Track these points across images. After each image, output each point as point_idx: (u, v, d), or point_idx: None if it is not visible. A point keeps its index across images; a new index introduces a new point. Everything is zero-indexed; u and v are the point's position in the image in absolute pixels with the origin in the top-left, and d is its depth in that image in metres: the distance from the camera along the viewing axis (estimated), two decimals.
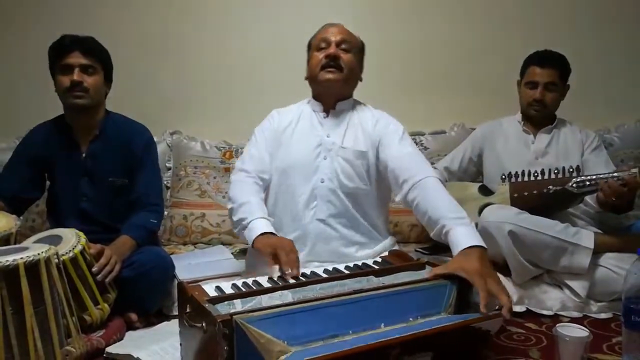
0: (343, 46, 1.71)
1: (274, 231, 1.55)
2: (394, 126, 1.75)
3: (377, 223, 1.75)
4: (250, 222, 1.56)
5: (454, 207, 1.48)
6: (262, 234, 1.52)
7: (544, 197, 1.87)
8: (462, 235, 1.38)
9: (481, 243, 1.37)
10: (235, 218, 1.63)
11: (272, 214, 1.68)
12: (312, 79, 1.76)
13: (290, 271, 1.36)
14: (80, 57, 1.77)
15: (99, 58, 1.82)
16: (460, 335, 1.18)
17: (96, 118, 1.86)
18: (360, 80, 1.80)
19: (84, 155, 1.85)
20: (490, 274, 1.28)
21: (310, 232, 1.67)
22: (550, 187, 1.86)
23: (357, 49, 1.76)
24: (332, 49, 1.69)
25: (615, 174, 1.77)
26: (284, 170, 1.72)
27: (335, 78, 1.69)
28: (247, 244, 2.33)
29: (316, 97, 1.80)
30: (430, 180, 1.56)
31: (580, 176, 1.84)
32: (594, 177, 1.80)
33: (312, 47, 1.79)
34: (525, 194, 1.90)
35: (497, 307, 1.22)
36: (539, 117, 2.08)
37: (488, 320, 1.19)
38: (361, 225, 1.70)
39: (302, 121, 1.78)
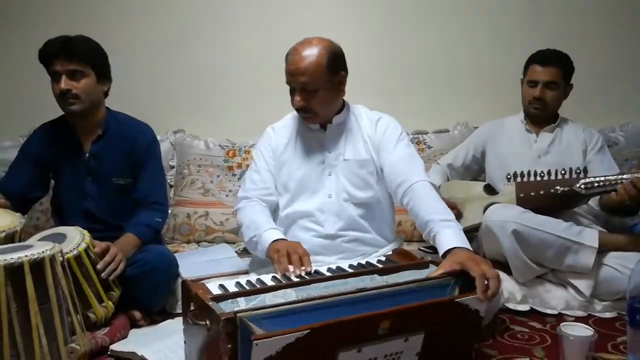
0: (308, 88, 1.59)
1: (285, 237, 1.55)
2: (391, 129, 1.71)
3: (385, 230, 1.74)
4: (260, 235, 1.56)
5: (442, 210, 1.50)
6: (274, 242, 1.52)
7: (551, 197, 1.86)
8: (448, 238, 1.41)
9: (466, 245, 1.39)
10: (246, 239, 1.64)
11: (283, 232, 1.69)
12: None
13: (296, 271, 1.37)
14: (66, 62, 1.70)
15: (88, 60, 1.74)
16: (449, 314, 1.19)
17: (96, 119, 1.84)
18: (344, 93, 1.71)
19: (87, 155, 1.84)
20: (483, 260, 1.30)
21: (320, 246, 1.65)
22: (558, 187, 1.85)
23: (326, 79, 1.60)
24: (297, 99, 1.61)
25: (624, 177, 1.76)
26: (289, 190, 1.70)
27: (311, 120, 1.67)
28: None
29: None
30: (420, 184, 1.57)
31: (588, 177, 1.83)
32: (602, 178, 1.79)
33: None
34: (532, 194, 1.89)
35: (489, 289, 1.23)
36: (540, 116, 2.07)
37: (470, 297, 1.19)
38: (369, 237, 1.69)
39: (300, 139, 1.73)
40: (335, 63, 1.62)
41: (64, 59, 1.71)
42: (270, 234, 1.55)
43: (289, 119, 1.80)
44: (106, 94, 1.87)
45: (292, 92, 1.63)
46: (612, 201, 1.81)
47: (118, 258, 1.62)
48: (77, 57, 1.72)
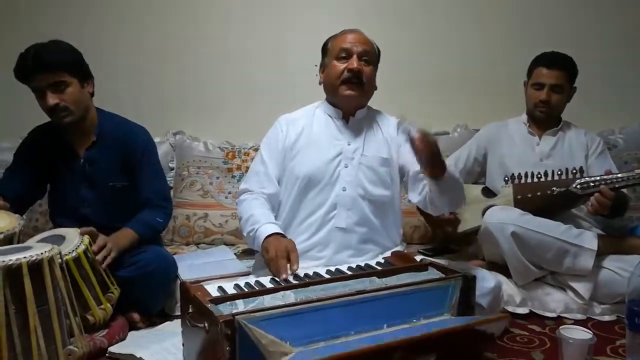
0: (365, 58, 1.65)
1: (280, 231, 1.54)
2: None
3: (394, 233, 1.73)
4: (257, 229, 1.54)
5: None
6: (269, 236, 1.51)
7: (548, 198, 1.86)
8: None
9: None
10: (245, 233, 1.63)
11: (290, 223, 1.67)
12: (330, 89, 1.70)
13: (284, 275, 1.36)
14: (44, 77, 1.65)
15: (65, 68, 1.68)
16: (464, 336, 1.17)
17: (89, 123, 1.81)
18: (375, 88, 1.74)
19: (81, 161, 1.81)
20: None
21: (329, 241, 1.63)
22: (554, 188, 1.85)
23: (376, 58, 1.72)
24: (355, 63, 1.63)
25: (619, 176, 1.76)
26: (302, 179, 1.66)
27: (356, 95, 1.66)
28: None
29: (334, 104, 1.74)
30: None
31: (584, 177, 1.83)
32: (598, 178, 1.80)
33: (329, 52, 1.71)
34: (529, 195, 1.90)
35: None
36: (545, 119, 2.07)
37: (493, 322, 1.19)
38: (378, 235, 1.67)
39: (317, 128, 1.72)
40: (380, 56, 1.74)
41: (41, 73, 1.65)
42: (266, 228, 1.53)
43: (306, 110, 1.79)
44: (92, 94, 1.81)
45: (343, 60, 1.65)
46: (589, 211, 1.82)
47: (109, 245, 1.61)
48: (54, 68, 1.66)
